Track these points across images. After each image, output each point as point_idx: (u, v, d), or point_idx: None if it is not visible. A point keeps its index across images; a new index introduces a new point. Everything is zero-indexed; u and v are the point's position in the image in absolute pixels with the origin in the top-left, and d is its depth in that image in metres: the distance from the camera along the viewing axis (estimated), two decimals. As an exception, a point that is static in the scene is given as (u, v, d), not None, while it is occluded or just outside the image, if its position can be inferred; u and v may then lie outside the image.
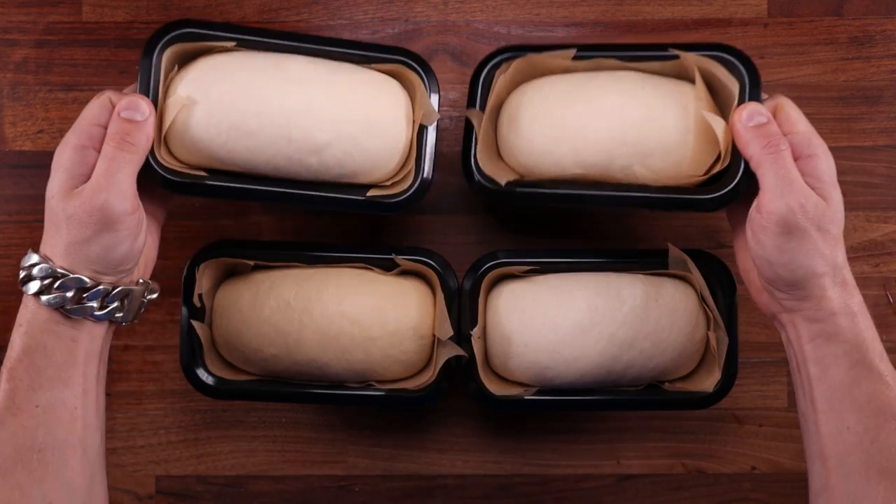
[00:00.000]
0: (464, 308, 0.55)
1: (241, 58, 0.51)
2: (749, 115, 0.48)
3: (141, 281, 0.49)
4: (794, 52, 0.62)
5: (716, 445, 0.61)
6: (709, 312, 0.55)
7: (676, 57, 0.52)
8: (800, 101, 0.61)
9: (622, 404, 0.55)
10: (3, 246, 0.61)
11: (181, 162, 0.52)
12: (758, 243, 0.46)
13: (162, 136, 0.50)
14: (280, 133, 0.50)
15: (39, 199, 0.61)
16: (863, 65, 0.62)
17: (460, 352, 0.53)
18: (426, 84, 0.53)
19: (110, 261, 0.45)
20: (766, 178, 0.46)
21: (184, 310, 0.54)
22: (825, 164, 0.47)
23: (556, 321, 0.53)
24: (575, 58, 0.54)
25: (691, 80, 0.53)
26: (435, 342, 0.55)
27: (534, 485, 0.61)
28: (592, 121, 0.52)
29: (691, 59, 0.52)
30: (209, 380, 0.54)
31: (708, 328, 0.55)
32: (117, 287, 0.47)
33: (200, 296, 0.54)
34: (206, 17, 0.62)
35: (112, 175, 0.45)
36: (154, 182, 0.49)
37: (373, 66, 0.54)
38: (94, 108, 0.46)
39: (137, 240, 0.46)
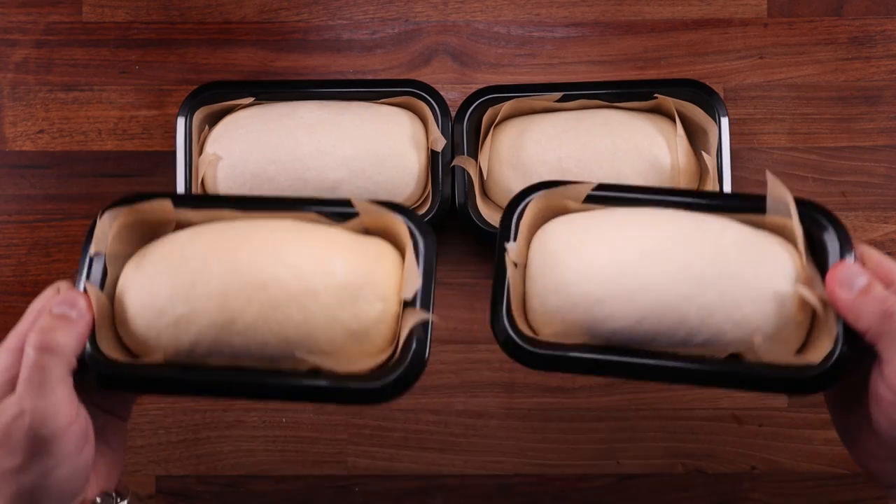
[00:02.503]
0: (501, 231, 0.42)
1: (258, 111, 0.57)
2: (848, 281, 0.38)
3: (98, 501, 0.40)
4: (794, 52, 0.62)
5: (716, 445, 0.61)
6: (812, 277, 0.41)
7: (656, 97, 0.56)
8: (800, 101, 0.62)
9: (700, 375, 0.39)
10: (3, 246, 0.61)
11: None
12: (891, 425, 0.37)
13: (197, 190, 0.55)
14: (296, 176, 0.54)
15: (39, 200, 0.61)
16: (863, 65, 0.62)
17: (428, 315, 0.39)
18: (435, 110, 0.56)
19: (53, 488, 0.36)
20: (887, 353, 0.37)
21: (81, 269, 0.41)
22: None
23: (613, 242, 0.41)
24: (559, 100, 0.57)
25: (667, 113, 0.57)
26: (400, 312, 0.40)
27: (534, 485, 0.61)
28: (588, 166, 0.55)
29: (670, 102, 0.56)
30: (98, 366, 0.39)
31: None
32: None
33: (107, 259, 0.41)
34: (210, 21, 0.62)
35: (37, 387, 0.36)
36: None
37: (383, 100, 0.58)
38: (41, 301, 0.39)
39: (82, 455, 0.37)
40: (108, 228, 0.41)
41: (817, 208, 0.41)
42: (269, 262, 0.39)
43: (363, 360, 0.40)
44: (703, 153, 0.55)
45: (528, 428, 0.61)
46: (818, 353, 0.39)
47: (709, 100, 0.55)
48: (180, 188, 0.55)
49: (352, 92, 0.57)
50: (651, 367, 0.39)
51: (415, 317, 0.39)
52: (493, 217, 0.55)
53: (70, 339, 0.37)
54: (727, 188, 0.54)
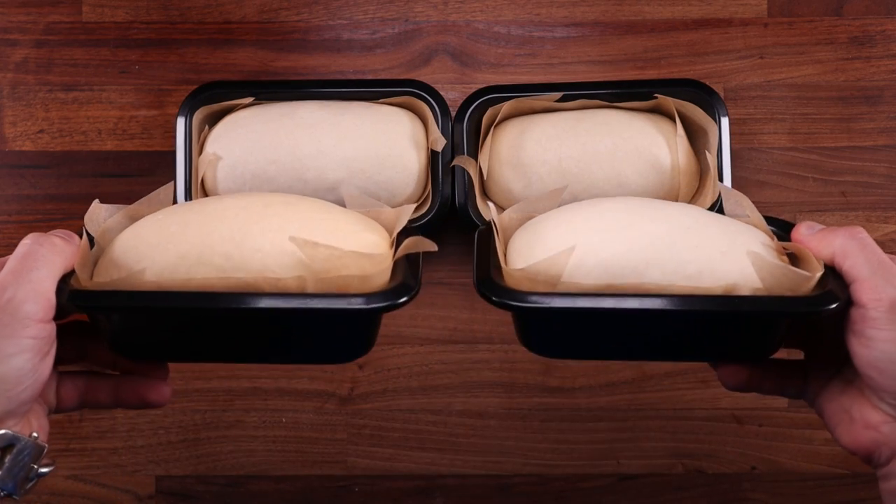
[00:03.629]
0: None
1: (258, 111, 0.57)
2: (810, 226, 0.41)
3: (34, 435, 0.36)
4: (794, 52, 0.62)
5: (716, 445, 0.61)
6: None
7: (656, 97, 0.56)
8: (800, 101, 0.62)
9: (698, 302, 0.37)
10: (3, 246, 0.61)
11: None
12: (870, 345, 0.37)
13: (197, 190, 0.54)
14: (296, 176, 0.54)
15: (39, 199, 0.61)
16: (863, 65, 0.62)
17: (432, 245, 0.38)
18: (435, 110, 0.56)
19: (1, 374, 0.34)
20: (857, 268, 0.38)
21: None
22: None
23: (598, 205, 0.42)
24: (559, 100, 0.57)
25: (667, 113, 0.57)
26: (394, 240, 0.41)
27: (534, 485, 0.61)
28: (588, 166, 0.55)
29: (670, 101, 0.56)
30: (72, 285, 0.37)
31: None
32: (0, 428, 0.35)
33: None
34: (210, 21, 0.62)
35: (25, 272, 0.35)
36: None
37: (382, 100, 0.58)
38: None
39: (45, 360, 0.35)
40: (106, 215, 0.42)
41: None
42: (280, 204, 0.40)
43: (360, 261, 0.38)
44: (706, 152, 0.55)
45: (528, 428, 0.61)
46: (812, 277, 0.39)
47: (709, 100, 0.55)
48: (180, 188, 0.55)
49: (352, 92, 0.57)
50: (639, 310, 0.36)
51: (416, 244, 0.38)
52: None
53: (65, 246, 0.37)
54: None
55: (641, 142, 0.55)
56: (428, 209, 0.55)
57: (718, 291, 0.38)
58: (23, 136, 0.61)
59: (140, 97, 0.62)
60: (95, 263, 0.40)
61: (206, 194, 0.56)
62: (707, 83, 0.56)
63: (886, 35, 0.62)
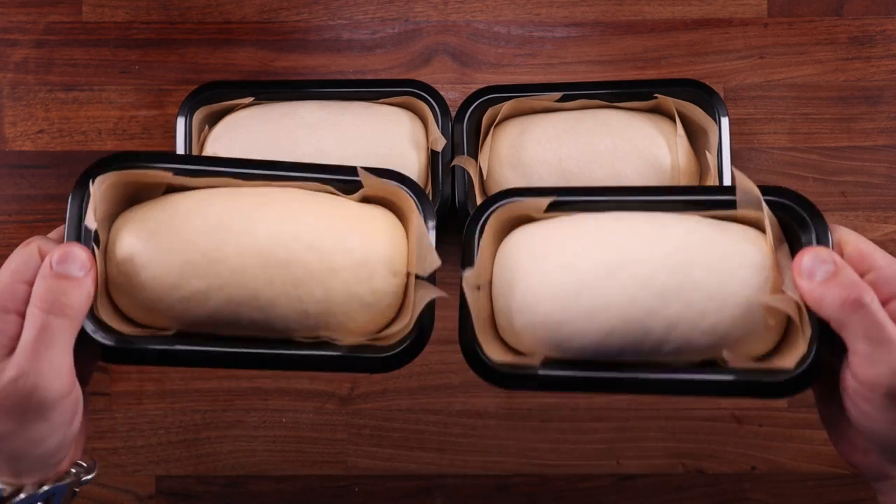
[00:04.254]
0: (464, 253, 0.42)
1: (258, 111, 0.56)
2: (810, 270, 0.37)
3: (73, 471, 0.38)
4: (794, 52, 0.62)
5: (716, 445, 0.61)
6: (784, 268, 0.39)
7: (656, 97, 0.56)
8: (800, 101, 0.61)
9: (669, 385, 0.38)
10: (3, 246, 0.61)
11: None
12: (863, 416, 0.36)
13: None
14: None
15: (39, 199, 0.61)
16: (863, 65, 0.62)
17: (442, 293, 0.40)
18: (435, 110, 0.56)
19: (38, 456, 0.35)
20: (853, 343, 0.35)
21: (67, 233, 0.39)
22: None
23: (573, 259, 0.39)
24: (559, 100, 0.57)
25: (667, 113, 0.57)
26: (410, 285, 0.41)
27: (534, 485, 0.61)
28: (588, 166, 0.55)
29: (670, 101, 0.56)
30: (102, 336, 0.38)
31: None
32: (43, 486, 0.36)
33: (93, 220, 0.39)
34: (210, 21, 0.62)
35: (42, 351, 0.34)
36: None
37: (382, 100, 0.58)
38: (19, 260, 0.36)
39: (72, 426, 0.36)
40: (97, 193, 0.39)
41: (788, 194, 0.39)
42: (289, 240, 0.39)
43: (370, 327, 0.41)
44: (706, 152, 0.55)
45: (528, 428, 0.61)
46: (794, 354, 0.38)
47: (709, 100, 0.55)
48: None
49: (352, 92, 0.57)
50: (618, 381, 0.39)
51: (433, 292, 0.40)
52: None
53: (80, 300, 0.35)
54: None
55: (641, 142, 0.55)
56: None
57: (697, 359, 0.39)
58: (23, 136, 0.61)
59: (140, 97, 0.62)
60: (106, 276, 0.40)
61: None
62: (707, 83, 0.56)
63: (886, 35, 0.62)
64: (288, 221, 0.40)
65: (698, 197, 0.41)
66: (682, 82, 0.56)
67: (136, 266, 0.39)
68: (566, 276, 0.39)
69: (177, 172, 0.41)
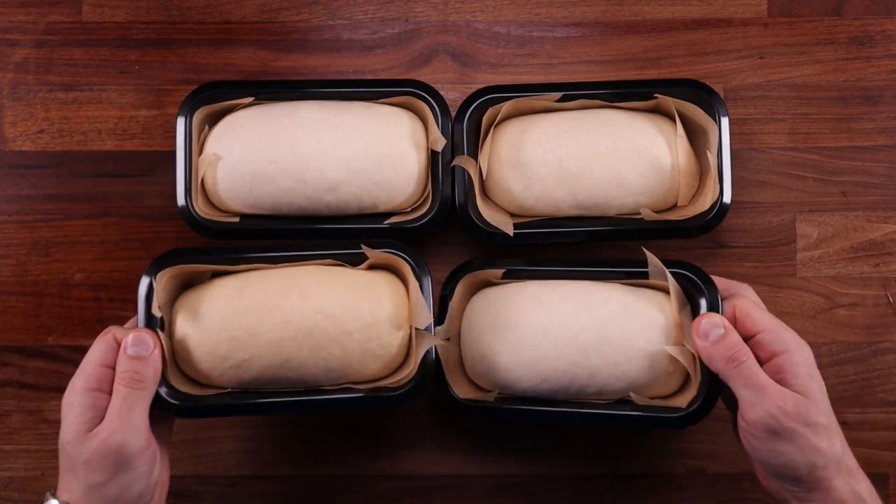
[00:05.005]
0: (442, 312, 0.55)
1: (258, 111, 0.57)
2: (705, 331, 0.48)
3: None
4: (794, 52, 0.62)
5: (716, 445, 0.61)
6: (685, 327, 0.52)
7: (656, 97, 0.56)
8: (800, 101, 0.62)
9: (586, 417, 0.52)
10: (3, 246, 0.61)
11: (220, 211, 0.57)
12: (752, 449, 0.46)
13: (197, 190, 0.55)
14: (296, 176, 0.55)
15: (39, 200, 0.61)
16: (863, 65, 0.62)
17: (440, 341, 0.52)
18: (435, 110, 0.56)
19: (128, 500, 0.46)
20: (738, 391, 0.46)
21: (141, 323, 0.50)
22: (799, 357, 0.46)
23: (518, 322, 0.53)
24: (559, 100, 0.57)
25: (667, 113, 0.57)
26: (413, 335, 0.52)
27: (534, 485, 0.61)
28: (588, 166, 0.55)
29: (670, 101, 0.56)
30: (173, 398, 0.50)
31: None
32: None
33: (159, 308, 0.51)
34: (210, 21, 0.62)
35: (125, 415, 0.45)
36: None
37: (382, 100, 0.58)
38: (100, 349, 0.47)
39: (153, 474, 0.47)
40: (159, 286, 0.50)
41: (688, 266, 0.52)
42: (311, 313, 0.51)
43: (383, 373, 0.53)
44: (706, 152, 0.55)
45: (528, 428, 0.61)
46: (688, 396, 0.51)
47: (709, 100, 0.55)
48: (180, 188, 0.55)
49: (352, 92, 0.57)
50: (553, 414, 0.53)
51: (431, 341, 0.51)
52: (493, 217, 0.55)
53: (150, 374, 0.47)
54: (727, 188, 0.54)
55: (641, 142, 0.55)
56: (428, 209, 0.55)
57: (615, 399, 0.53)
58: (23, 136, 0.61)
59: (140, 97, 0.62)
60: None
61: (206, 194, 0.56)
62: (707, 83, 0.56)
63: (886, 35, 0.62)
64: (309, 298, 0.51)
65: (620, 269, 0.54)
66: (682, 82, 0.56)
67: (192, 344, 0.51)
68: (512, 336, 0.53)
69: (219, 262, 0.53)
